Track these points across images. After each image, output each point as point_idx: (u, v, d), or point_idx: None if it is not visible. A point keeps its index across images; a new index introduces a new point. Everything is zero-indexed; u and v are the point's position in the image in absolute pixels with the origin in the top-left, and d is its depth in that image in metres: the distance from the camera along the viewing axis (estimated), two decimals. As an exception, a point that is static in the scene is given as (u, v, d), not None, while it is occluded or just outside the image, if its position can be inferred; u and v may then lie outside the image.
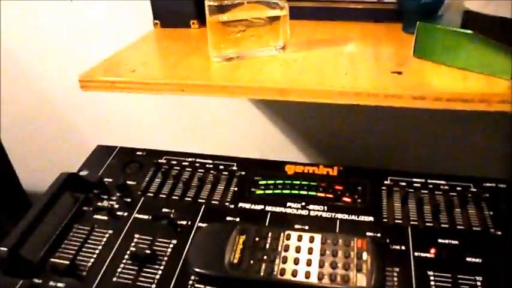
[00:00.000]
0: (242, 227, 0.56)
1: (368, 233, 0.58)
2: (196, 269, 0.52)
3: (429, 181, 0.68)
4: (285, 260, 0.52)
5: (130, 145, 0.80)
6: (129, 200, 0.68)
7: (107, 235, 0.63)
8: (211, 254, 0.53)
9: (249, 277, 0.51)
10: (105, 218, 0.66)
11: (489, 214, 0.62)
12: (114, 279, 0.57)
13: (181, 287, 0.55)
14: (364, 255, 0.52)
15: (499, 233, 0.60)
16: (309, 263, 0.51)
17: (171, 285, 0.56)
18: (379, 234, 0.59)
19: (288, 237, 0.54)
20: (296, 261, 0.52)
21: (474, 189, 0.67)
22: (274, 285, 0.51)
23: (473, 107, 0.61)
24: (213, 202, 0.67)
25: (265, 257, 0.52)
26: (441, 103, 0.60)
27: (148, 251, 0.57)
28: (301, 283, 0.50)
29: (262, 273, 0.51)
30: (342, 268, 0.51)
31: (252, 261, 0.52)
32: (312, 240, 0.54)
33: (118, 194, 0.69)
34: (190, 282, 0.55)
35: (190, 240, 0.59)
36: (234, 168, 0.73)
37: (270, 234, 0.55)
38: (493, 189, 0.66)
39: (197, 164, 0.74)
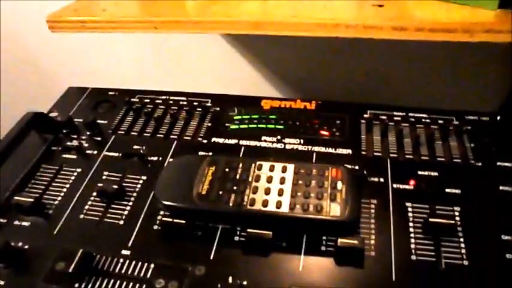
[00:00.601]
0: (212, 158, 0.54)
1: (345, 165, 0.55)
2: (164, 202, 0.50)
3: (410, 114, 0.66)
4: (255, 190, 0.50)
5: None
6: (99, 138, 0.66)
7: (75, 173, 0.60)
8: (179, 187, 0.51)
9: (217, 208, 0.49)
10: (74, 157, 0.63)
11: (470, 146, 0.60)
12: (81, 216, 0.55)
13: (150, 222, 0.53)
14: (339, 185, 0.49)
15: (479, 164, 0.57)
16: (280, 192, 0.49)
17: (140, 221, 0.54)
18: (357, 167, 0.57)
19: (260, 168, 0.52)
20: (267, 191, 0.49)
21: (456, 122, 0.64)
22: (243, 216, 0.49)
23: (456, 38, 0.58)
24: (186, 138, 0.64)
25: (234, 188, 0.50)
26: (423, 34, 0.57)
27: (115, 187, 0.55)
28: (271, 213, 0.48)
29: (231, 204, 0.48)
30: (315, 198, 0.48)
31: (221, 192, 0.49)
32: (284, 170, 0.52)
33: (88, 133, 0.66)
34: (159, 217, 0.52)
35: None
36: (209, 104, 0.70)
37: (240, 165, 0.52)
38: (476, 122, 0.64)
39: (171, 102, 0.71)
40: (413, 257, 0.48)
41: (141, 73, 0.97)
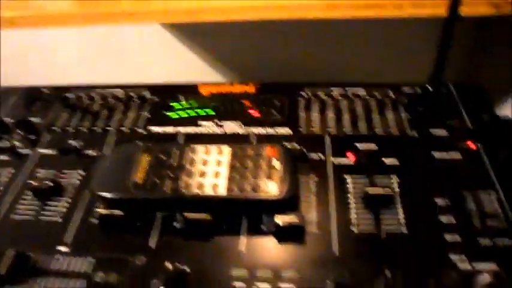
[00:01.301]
0: (146, 146, 0.52)
1: (282, 143, 0.55)
2: (100, 193, 0.49)
3: (347, 89, 0.66)
4: (190, 175, 0.49)
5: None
6: (33, 137, 0.63)
7: (8, 174, 0.58)
8: (115, 178, 0.50)
9: (153, 196, 0.48)
10: (7, 158, 0.60)
11: (407, 117, 0.61)
12: (16, 217, 0.53)
13: (89, 216, 0.52)
14: (275, 163, 0.49)
15: (416, 134, 0.58)
16: (216, 175, 0.48)
17: (78, 216, 0.52)
18: (295, 144, 0.57)
19: (194, 152, 0.51)
20: (202, 175, 0.49)
21: (392, 95, 0.65)
22: (180, 201, 0.48)
23: (388, 12, 0.59)
24: (124, 130, 0.63)
25: (170, 174, 0.49)
26: (357, 12, 0.58)
27: (50, 184, 0.53)
28: (208, 196, 0.47)
29: (167, 190, 0.47)
30: (252, 177, 0.48)
31: (156, 179, 0.48)
32: (220, 152, 0.51)
33: (20, 133, 0.63)
34: (98, 210, 0.51)
35: (97, 167, 0.55)
36: (147, 95, 0.68)
37: (175, 151, 0.51)
38: (411, 94, 0.65)
39: (107, 95, 0.69)
40: (355, 230, 0.48)
41: (81, 69, 0.94)
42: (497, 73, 0.78)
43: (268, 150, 0.50)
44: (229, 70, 0.87)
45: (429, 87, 0.61)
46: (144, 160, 0.51)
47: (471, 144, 0.57)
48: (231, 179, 0.48)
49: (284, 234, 0.47)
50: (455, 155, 0.56)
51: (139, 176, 0.49)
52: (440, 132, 0.59)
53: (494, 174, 0.53)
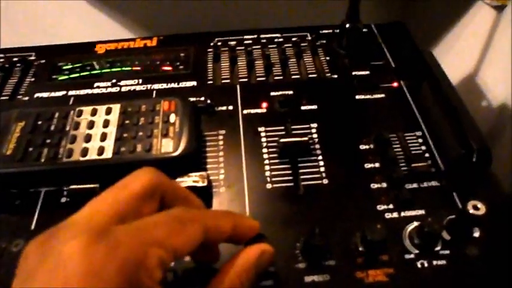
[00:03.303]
0: (20, 112, 0.44)
1: (190, 98, 0.48)
2: (-37, 172, 0.40)
3: (262, 36, 0.59)
4: (73, 140, 0.41)
5: None
6: None
7: None
8: (-19, 152, 0.41)
9: (25, 168, 0.40)
10: None
11: (326, 60, 0.55)
12: None
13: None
14: (172, 118, 0.42)
15: (335, 76, 0.53)
16: (103, 137, 0.41)
17: None
18: (202, 98, 0.50)
19: (80, 114, 0.43)
20: (87, 139, 0.41)
21: (310, 38, 0.59)
22: (59, 171, 0.40)
23: None
24: (3, 98, 0.53)
25: (47, 141, 0.41)
26: None
27: None
28: (92, 162, 0.40)
29: (42, 160, 0.39)
30: (144, 136, 0.41)
31: (30, 149, 0.40)
32: (109, 111, 0.43)
33: None
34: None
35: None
36: (32, 58, 0.59)
37: (56, 115, 0.43)
38: (329, 36, 0.59)
39: (-18, 62, 0.59)
40: (269, 186, 0.42)
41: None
42: (420, 9, 0.74)
43: (164, 104, 0.43)
44: (130, 27, 0.78)
45: (347, 26, 0.54)
46: (17, 128, 0.42)
47: (394, 83, 0.51)
48: (119, 140, 0.40)
49: (189, 199, 0.40)
50: (379, 95, 0.50)
51: (9, 146, 0.40)
52: (363, 73, 0.53)
53: (419, 113, 0.48)
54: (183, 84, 0.53)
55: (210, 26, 0.63)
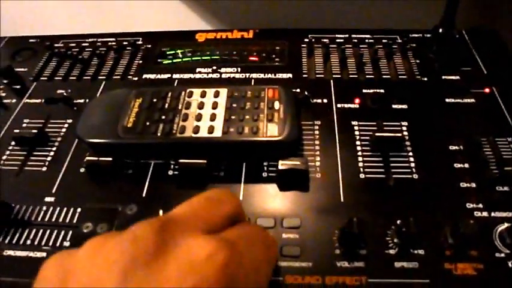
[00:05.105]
0: (138, 90, 0.48)
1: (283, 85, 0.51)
2: (87, 139, 0.45)
3: (353, 36, 0.62)
4: (185, 118, 0.45)
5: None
6: (18, 86, 0.59)
7: (-8, 124, 0.54)
8: (103, 123, 0.46)
9: (144, 140, 0.44)
10: (-9, 108, 0.56)
11: (416, 63, 0.57)
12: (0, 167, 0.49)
13: (77, 165, 0.48)
14: (276, 105, 0.45)
15: (425, 79, 0.54)
16: (212, 117, 0.45)
17: (65, 165, 0.48)
18: (298, 90, 0.53)
19: (190, 95, 0.47)
20: (198, 118, 0.45)
21: (400, 41, 0.61)
22: (173, 145, 0.44)
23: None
24: (115, 77, 0.59)
25: (163, 117, 0.45)
26: None
27: (34, 132, 0.49)
28: (203, 139, 0.43)
29: (159, 134, 0.44)
30: (251, 119, 0.44)
31: (148, 123, 0.45)
32: (217, 94, 0.47)
33: (5, 82, 0.59)
34: (86, 158, 0.47)
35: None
36: (140, 42, 0.64)
37: (169, 94, 0.47)
38: (419, 39, 0.61)
39: (99, 44, 0.65)
40: (362, 176, 0.45)
41: (71, 21, 0.89)
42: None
43: (268, 91, 0.46)
44: (227, 18, 0.82)
45: (440, 31, 0.56)
46: (136, 104, 0.46)
47: (486, 89, 0.52)
48: (227, 121, 0.44)
49: (286, 180, 0.44)
50: (469, 100, 0.51)
51: (129, 120, 0.45)
52: (453, 77, 0.54)
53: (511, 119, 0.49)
54: (279, 76, 0.56)
55: (303, 23, 0.66)
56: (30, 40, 0.68)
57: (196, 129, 0.44)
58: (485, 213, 0.42)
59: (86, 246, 0.25)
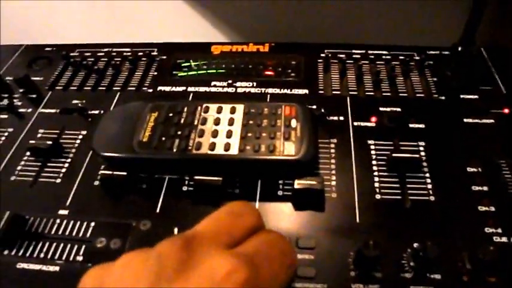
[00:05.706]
0: (154, 104, 0.48)
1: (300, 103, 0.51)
2: (102, 153, 0.45)
3: (370, 52, 0.61)
4: (201, 134, 0.45)
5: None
6: (34, 95, 0.59)
7: (6, 134, 0.54)
8: (118, 136, 0.46)
9: (159, 155, 0.44)
10: (5, 116, 0.57)
11: (433, 80, 0.57)
12: (13, 178, 0.49)
13: (91, 178, 0.48)
14: (293, 123, 0.45)
15: (443, 98, 0.54)
16: (229, 134, 0.44)
17: (79, 178, 0.48)
18: (314, 106, 0.52)
19: (206, 110, 0.47)
20: (214, 134, 0.44)
21: (417, 58, 0.60)
22: (188, 161, 0.44)
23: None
24: (130, 89, 0.59)
25: (179, 133, 0.45)
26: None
27: (49, 143, 0.49)
28: (219, 156, 0.43)
29: (174, 150, 0.43)
30: (268, 137, 0.44)
31: (163, 138, 0.44)
32: (233, 110, 0.47)
33: (21, 91, 0.59)
34: (100, 172, 0.47)
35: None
36: (155, 53, 0.64)
37: (185, 109, 0.47)
38: (437, 57, 0.60)
39: (114, 54, 0.65)
40: (378, 196, 0.44)
41: (87, 30, 0.90)
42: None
43: (285, 109, 0.46)
44: (242, 30, 0.82)
45: (459, 49, 0.55)
46: (151, 118, 0.46)
47: (505, 109, 0.52)
48: (244, 138, 0.44)
49: (302, 200, 0.43)
50: (488, 121, 0.51)
51: (145, 134, 0.45)
52: (471, 96, 0.54)
53: (532, 142, 0.48)
54: (295, 91, 0.56)
55: (318, 37, 0.66)
56: (46, 49, 0.68)
57: (213, 146, 0.43)
58: (504, 239, 0.41)
59: (119, 261, 0.27)
